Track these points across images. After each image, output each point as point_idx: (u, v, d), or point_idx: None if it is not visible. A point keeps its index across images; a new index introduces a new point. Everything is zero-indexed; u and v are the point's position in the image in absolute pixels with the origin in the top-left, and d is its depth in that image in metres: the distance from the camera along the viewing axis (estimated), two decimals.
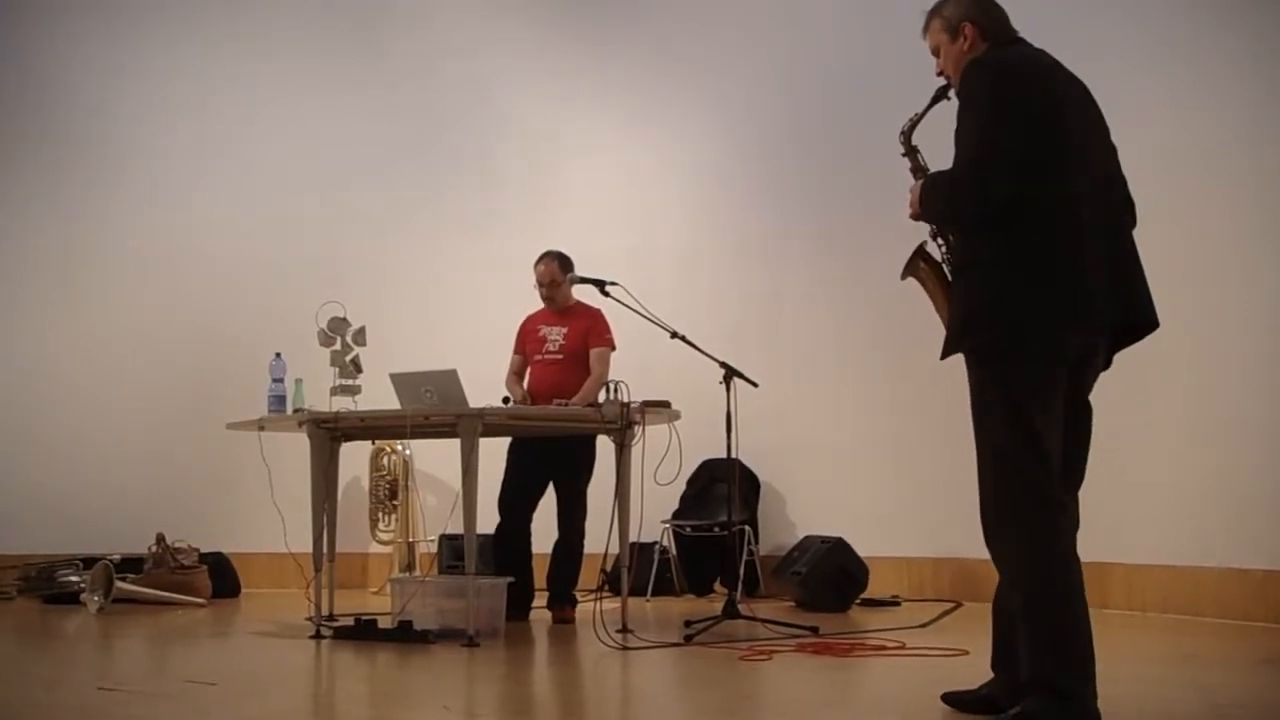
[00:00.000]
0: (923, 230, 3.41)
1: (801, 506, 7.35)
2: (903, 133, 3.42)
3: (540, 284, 6.03)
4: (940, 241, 3.34)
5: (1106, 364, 3.23)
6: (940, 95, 3.34)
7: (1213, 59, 5.84)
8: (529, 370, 6.09)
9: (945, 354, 3.21)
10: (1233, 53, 5.77)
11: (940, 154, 3.22)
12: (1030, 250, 3.01)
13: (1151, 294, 3.17)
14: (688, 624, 5.29)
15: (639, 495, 5.29)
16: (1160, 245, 5.69)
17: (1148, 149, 5.93)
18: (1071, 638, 2.97)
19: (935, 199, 3.19)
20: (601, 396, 5.52)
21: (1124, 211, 3.26)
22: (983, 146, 3.01)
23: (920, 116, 3.40)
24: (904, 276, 3.41)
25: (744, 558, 6.87)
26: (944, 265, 3.33)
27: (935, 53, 3.34)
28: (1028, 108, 3.02)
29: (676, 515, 7.26)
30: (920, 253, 3.37)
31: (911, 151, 3.42)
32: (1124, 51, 6.16)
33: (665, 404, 5.42)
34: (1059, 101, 3.09)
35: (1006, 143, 2.99)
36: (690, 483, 7.24)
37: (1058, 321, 3.02)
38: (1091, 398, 3.24)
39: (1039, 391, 3.03)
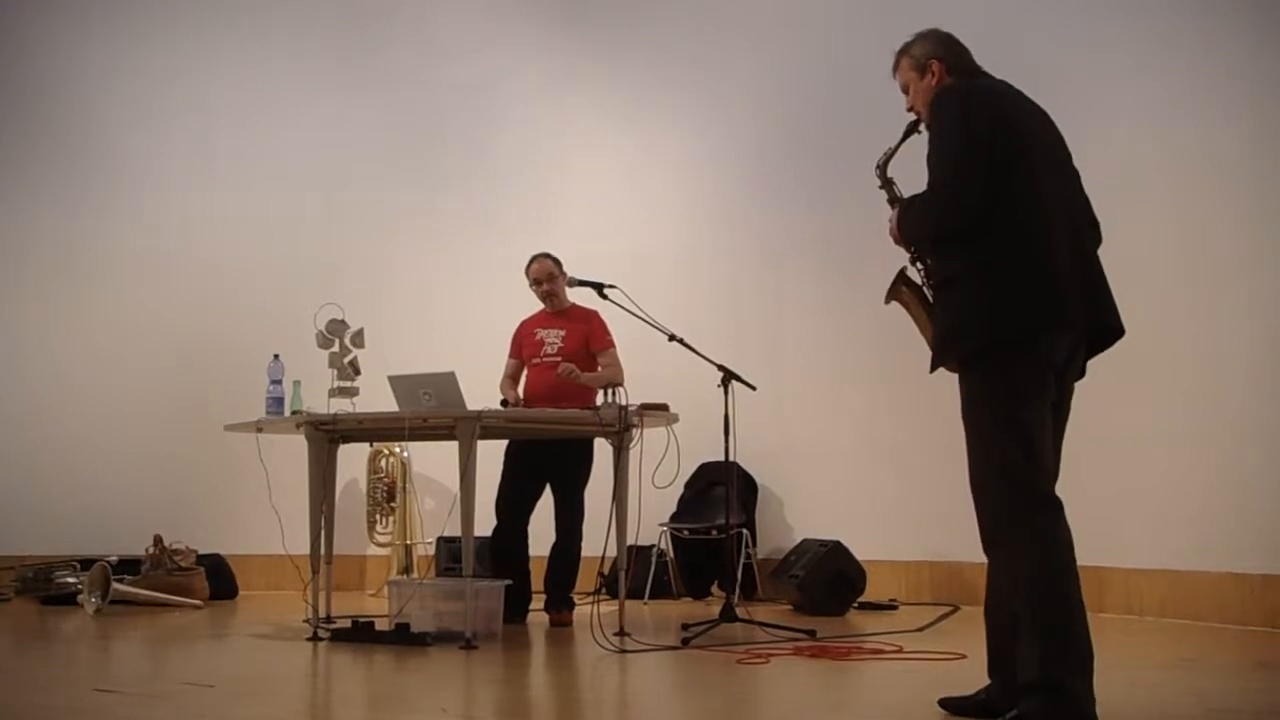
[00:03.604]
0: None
1: (799, 510, 7.35)
2: (878, 166, 3.56)
3: (538, 282, 6.04)
4: (920, 265, 3.44)
5: (1081, 372, 3.30)
6: (911, 130, 3.49)
7: (1213, 59, 5.85)
8: (526, 373, 6.08)
9: (934, 367, 3.31)
10: (1233, 53, 5.78)
11: (915, 185, 3.32)
12: (1004, 261, 3.12)
13: (1116, 303, 3.25)
14: (685, 627, 5.29)
15: (636, 498, 5.29)
16: (1160, 245, 5.78)
17: (1148, 149, 5.98)
18: (1071, 640, 2.99)
19: (912, 218, 3.33)
20: (599, 399, 5.53)
21: (1087, 227, 3.35)
22: (955, 165, 3.15)
23: (894, 150, 3.54)
24: (887, 300, 3.53)
25: (741, 561, 6.87)
26: (924, 288, 3.42)
27: (905, 90, 3.50)
28: (993, 129, 3.15)
29: (674, 518, 7.26)
30: (901, 277, 3.48)
31: (887, 183, 3.55)
32: (1124, 51, 6.18)
33: (663, 407, 5.42)
34: (1022, 124, 3.23)
35: (975, 161, 3.12)
36: (688, 486, 7.25)
37: (1039, 325, 3.11)
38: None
39: (1029, 395, 3.11)
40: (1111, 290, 3.26)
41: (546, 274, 6.02)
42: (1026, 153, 3.17)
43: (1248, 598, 5.49)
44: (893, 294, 3.49)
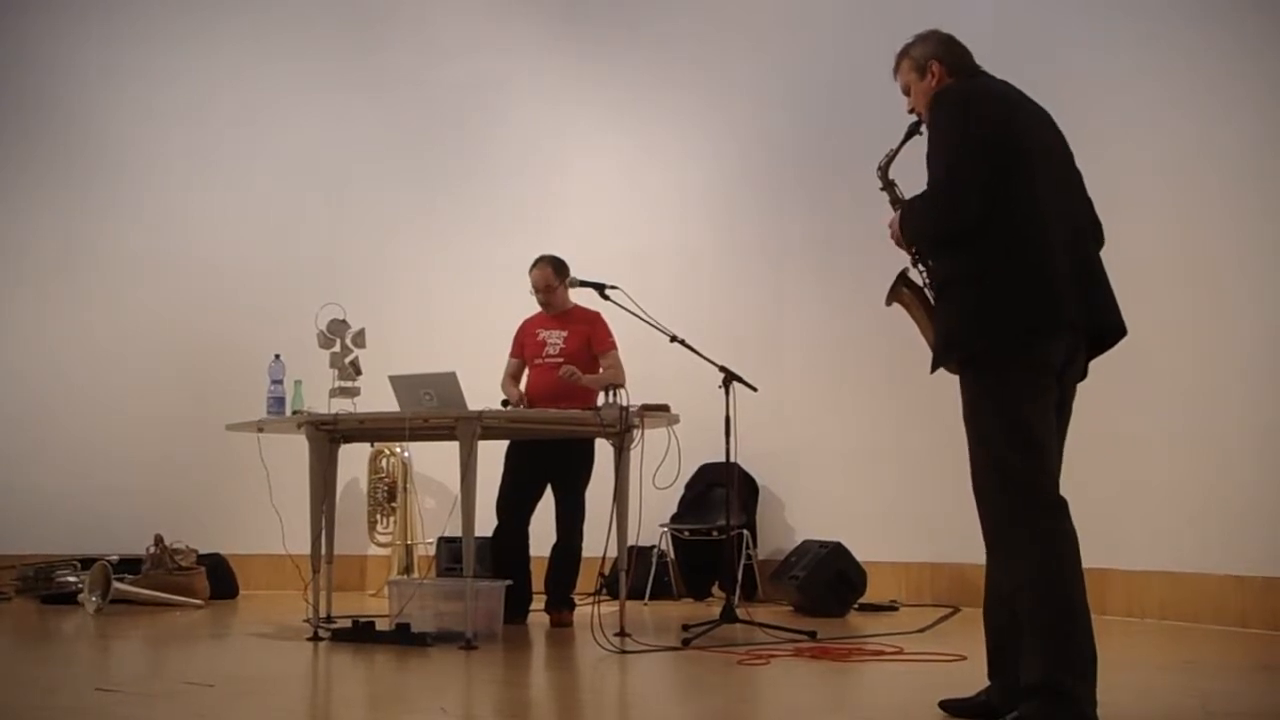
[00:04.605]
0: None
1: (800, 511, 7.35)
2: (880, 168, 3.55)
3: (536, 289, 6.03)
4: (922, 267, 3.43)
5: (1083, 373, 3.29)
6: (912, 131, 3.49)
7: (1213, 59, 5.84)
8: (528, 374, 6.08)
9: (934, 368, 3.30)
10: (1233, 53, 5.78)
11: (916, 186, 3.31)
12: (1001, 264, 3.12)
13: (1118, 304, 3.25)
14: (685, 628, 5.29)
15: (637, 499, 5.28)
16: (1160, 245, 5.77)
17: (1148, 149, 5.98)
18: (1074, 642, 2.99)
19: (912, 220, 3.32)
20: (600, 399, 5.53)
21: (1088, 228, 3.34)
22: (953, 167, 3.15)
23: (895, 152, 3.53)
24: (888, 302, 3.52)
25: (742, 562, 6.87)
26: (926, 290, 3.41)
27: (906, 91, 3.50)
28: (993, 130, 3.15)
29: (675, 519, 7.26)
30: (903, 278, 3.47)
31: (889, 185, 3.54)
32: (1124, 51, 6.18)
33: (664, 408, 5.42)
34: (1021, 125, 3.22)
35: (974, 163, 3.12)
36: (688, 486, 7.24)
37: (1036, 328, 3.10)
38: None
39: (1032, 397, 3.10)
40: (1112, 290, 3.24)
41: (544, 284, 6.01)
42: (1026, 155, 3.16)
43: (1248, 600, 5.48)
44: (893, 295, 3.48)
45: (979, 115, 3.17)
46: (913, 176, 3.35)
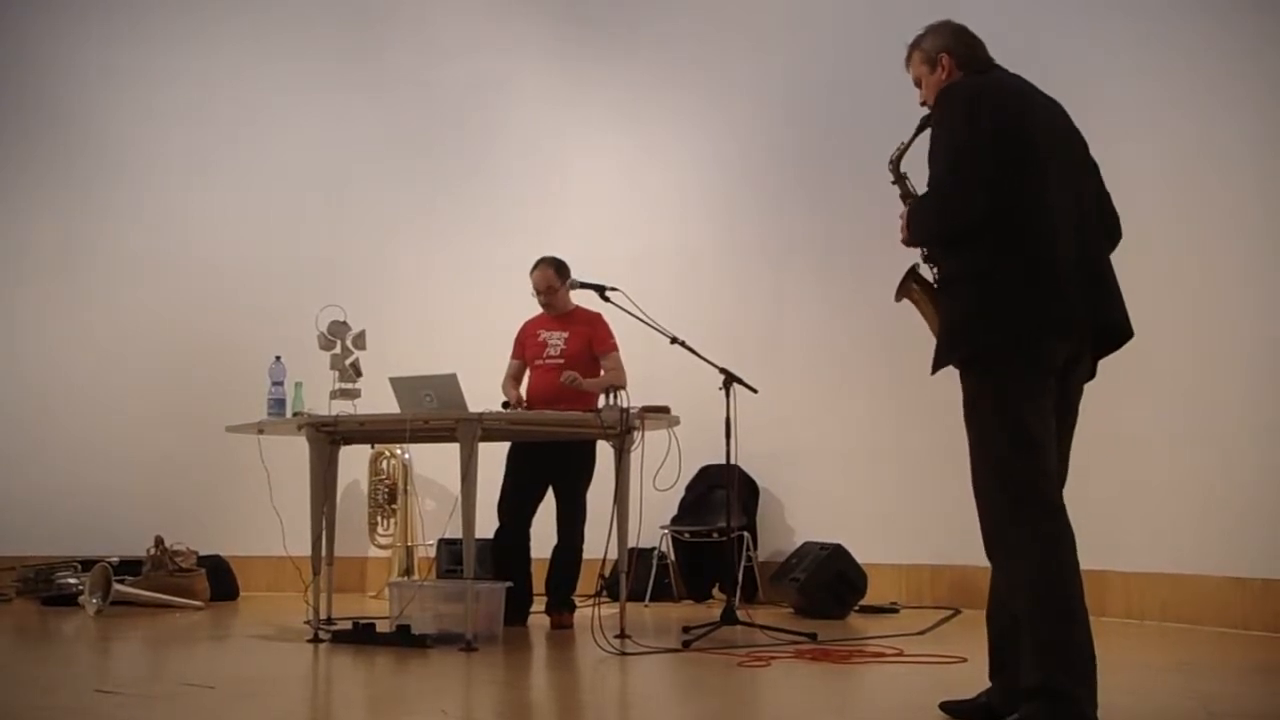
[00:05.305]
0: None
1: (800, 512, 7.35)
2: (891, 161, 3.51)
3: (537, 291, 6.03)
4: (931, 263, 3.39)
5: (1091, 374, 3.28)
6: (925, 124, 3.43)
7: (1213, 59, 5.84)
8: (529, 375, 6.08)
9: (936, 367, 3.27)
10: (1233, 53, 5.78)
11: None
12: (1007, 262, 3.09)
13: (1126, 305, 3.23)
14: (686, 630, 5.29)
15: (638, 500, 5.28)
16: (1160, 245, 5.77)
17: (1149, 151, 5.98)
18: (1073, 644, 2.98)
19: (918, 219, 3.29)
20: (601, 401, 5.52)
21: (1101, 225, 3.32)
22: (956, 165, 3.11)
23: (907, 145, 3.49)
24: (898, 298, 3.48)
25: (742, 564, 6.87)
26: (935, 286, 3.38)
27: (917, 83, 3.47)
28: (998, 127, 3.11)
29: (675, 521, 7.26)
30: (912, 274, 3.44)
31: (900, 179, 3.51)
32: (1124, 51, 6.18)
33: (665, 409, 5.41)
34: (1031, 121, 3.18)
35: (978, 160, 3.08)
36: (689, 488, 7.24)
37: (1039, 327, 3.09)
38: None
39: (1030, 396, 3.08)
40: (1120, 291, 3.22)
41: (545, 285, 6.00)
42: (1034, 151, 3.13)
43: (1249, 602, 5.48)
44: (903, 291, 3.44)
45: (988, 110, 3.12)
46: (926, 170, 3.30)
